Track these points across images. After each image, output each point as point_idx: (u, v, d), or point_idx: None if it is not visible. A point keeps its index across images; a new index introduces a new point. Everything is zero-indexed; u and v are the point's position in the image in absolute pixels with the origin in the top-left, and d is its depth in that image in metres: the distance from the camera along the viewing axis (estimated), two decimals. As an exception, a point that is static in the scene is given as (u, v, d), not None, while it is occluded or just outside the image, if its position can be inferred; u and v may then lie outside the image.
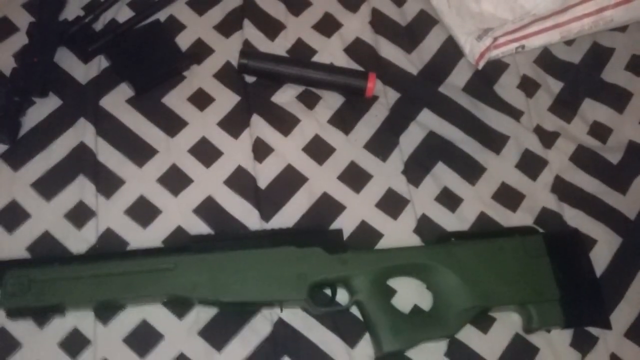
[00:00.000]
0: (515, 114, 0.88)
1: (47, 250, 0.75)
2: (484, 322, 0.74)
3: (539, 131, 0.87)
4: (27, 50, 0.85)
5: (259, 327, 0.72)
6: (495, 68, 0.91)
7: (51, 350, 0.69)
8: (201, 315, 0.72)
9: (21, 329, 0.70)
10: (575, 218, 0.82)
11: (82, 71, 0.86)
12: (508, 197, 0.83)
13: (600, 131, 0.89)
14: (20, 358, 0.68)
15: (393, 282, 0.76)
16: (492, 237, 0.76)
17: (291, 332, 0.72)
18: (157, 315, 0.72)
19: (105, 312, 0.71)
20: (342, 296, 0.73)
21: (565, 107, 0.90)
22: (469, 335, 0.73)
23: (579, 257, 0.77)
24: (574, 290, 0.73)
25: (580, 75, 0.93)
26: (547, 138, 0.87)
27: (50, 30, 0.86)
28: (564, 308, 0.71)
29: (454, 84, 0.90)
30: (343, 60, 0.90)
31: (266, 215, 0.79)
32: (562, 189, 0.84)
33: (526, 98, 0.90)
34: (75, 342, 0.70)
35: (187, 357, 0.70)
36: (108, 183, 0.79)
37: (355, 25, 0.93)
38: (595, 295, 0.75)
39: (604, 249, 0.80)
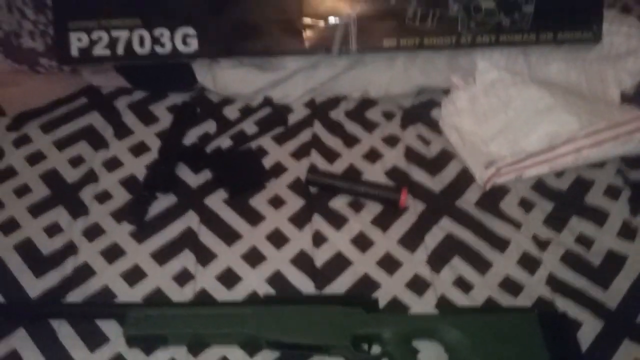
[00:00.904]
0: (516, 224, 1.02)
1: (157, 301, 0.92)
2: None
3: (535, 238, 1.00)
4: (157, 163, 1.08)
5: None
6: (500, 191, 1.07)
7: None
8: (267, 356, 0.85)
9: (133, 355, 0.85)
10: (565, 305, 0.90)
11: (193, 179, 1.07)
12: (511, 286, 0.94)
13: (584, 240, 1.00)
14: None
15: (418, 344, 0.86)
16: (496, 312, 0.91)
17: None
18: (234, 353, 0.85)
19: (196, 347, 0.86)
20: (376, 351, 0.85)
21: (556, 221, 1.02)
22: None
23: (568, 335, 0.86)
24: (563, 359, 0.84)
25: (567, 199, 1.05)
26: (541, 244, 0.99)
27: (174, 150, 1.10)
28: None
29: (468, 200, 1.06)
30: (383, 180, 1.08)
31: (319, 286, 0.93)
32: (555, 283, 0.94)
33: (524, 213, 1.03)
34: None
35: None
36: (205, 256, 0.97)
37: (393, 156, 1.13)
38: None
39: (589, 330, 0.89)
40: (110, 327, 0.89)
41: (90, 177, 1.08)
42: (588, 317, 0.91)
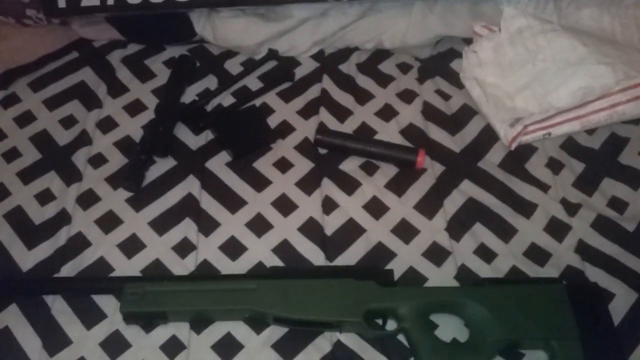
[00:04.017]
0: (543, 187, 0.97)
1: (156, 274, 0.87)
2: (514, 356, 0.80)
3: (564, 202, 0.95)
4: (153, 123, 1.03)
5: (321, 345, 0.81)
6: (526, 150, 1.01)
7: (154, 351, 0.80)
8: (275, 332, 0.81)
9: (132, 332, 0.81)
10: (596, 275, 0.87)
11: (193, 141, 1.03)
12: (537, 254, 0.90)
13: (617, 204, 0.95)
14: (129, 356, 0.80)
15: (435, 318, 0.83)
16: (520, 283, 0.85)
17: (347, 351, 0.80)
18: (239, 329, 0.82)
19: (198, 324, 0.82)
20: (391, 326, 0.81)
21: (587, 183, 0.97)
22: None
23: (599, 307, 0.82)
24: (594, 334, 0.79)
25: (600, 159, 1.01)
26: (571, 208, 0.94)
27: (172, 109, 1.04)
28: (584, 347, 0.77)
29: (491, 160, 1.00)
30: (398, 140, 1.03)
31: (330, 257, 0.89)
32: (585, 251, 0.90)
33: (553, 175, 0.98)
34: (173, 347, 0.80)
35: None
36: (207, 225, 0.92)
37: (410, 114, 1.07)
38: (613, 339, 0.80)
39: (622, 302, 0.84)
40: (107, 303, 0.85)
41: (84, 139, 1.03)
42: (621, 288, 0.87)
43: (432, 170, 1.00)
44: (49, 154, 1.02)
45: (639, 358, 0.81)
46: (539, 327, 0.79)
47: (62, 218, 0.93)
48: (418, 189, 0.98)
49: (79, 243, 0.91)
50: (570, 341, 0.78)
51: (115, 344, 0.81)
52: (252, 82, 1.12)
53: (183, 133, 1.04)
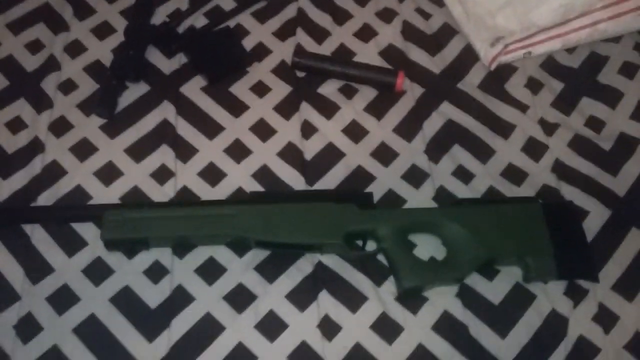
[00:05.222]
0: (522, 107, 0.96)
1: (136, 201, 0.86)
2: (489, 273, 0.82)
3: (542, 122, 0.95)
4: (123, 46, 0.99)
5: (303, 267, 0.82)
6: (506, 70, 1.00)
7: (137, 276, 0.81)
8: (257, 255, 0.82)
9: (114, 259, 0.82)
10: (571, 193, 0.88)
11: (166, 64, 0.99)
12: (514, 174, 0.90)
13: (595, 124, 0.95)
14: (112, 281, 0.80)
15: (414, 238, 0.84)
16: (497, 203, 0.86)
17: (328, 272, 0.81)
18: (222, 253, 0.82)
19: (180, 249, 0.82)
20: (371, 247, 0.82)
21: (565, 103, 0.97)
22: (476, 282, 0.81)
23: (573, 224, 0.84)
24: (568, 249, 0.81)
25: (579, 78, 1.00)
26: (549, 128, 0.94)
27: (142, 31, 0.99)
28: (558, 262, 0.79)
29: (470, 81, 0.99)
30: (377, 61, 1.01)
31: (310, 181, 0.89)
32: (561, 170, 0.91)
33: (532, 95, 0.97)
34: (156, 271, 0.81)
35: (245, 285, 0.80)
36: (185, 151, 0.91)
37: (389, 34, 1.04)
38: (586, 254, 0.83)
39: (596, 219, 0.87)
40: (87, 230, 0.85)
41: (52, 64, 0.99)
42: (595, 206, 0.89)
43: (412, 92, 0.98)
44: (16, 80, 0.98)
45: (611, 271, 0.84)
46: (515, 244, 0.81)
47: (35, 146, 0.91)
48: (397, 112, 0.96)
49: (54, 172, 0.89)
50: (544, 257, 0.80)
51: (98, 270, 0.82)
52: (225, 1, 1.07)
53: (155, 57, 1.00)
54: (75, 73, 0.98)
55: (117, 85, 0.95)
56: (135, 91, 0.97)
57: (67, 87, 0.97)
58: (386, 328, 0.79)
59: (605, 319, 0.80)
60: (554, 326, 0.80)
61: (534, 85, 0.99)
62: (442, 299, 0.81)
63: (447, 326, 0.79)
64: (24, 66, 0.99)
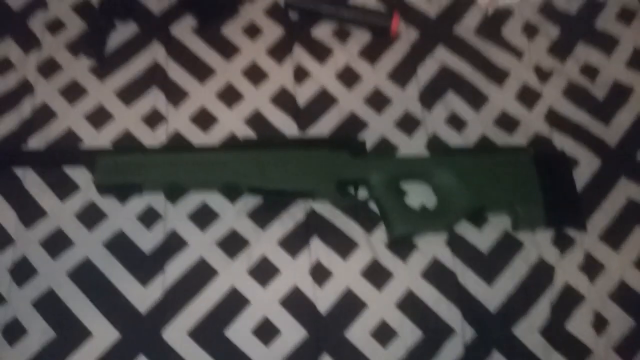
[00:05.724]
0: (517, 53, 0.94)
1: (128, 145, 0.86)
2: (479, 221, 0.83)
3: (537, 69, 0.93)
4: None
5: (295, 214, 0.83)
6: (503, 14, 0.97)
7: (130, 221, 0.82)
8: (250, 201, 0.83)
9: (107, 204, 0.82)
10: (563, 142, 0.88)
11: (156, 4, 0.96)
12: (506, 122, 0.90)
13: (589, 71, 0.94)
14: (106, 226, 0.81)
15: (405, 186, 0.84)
16: (489, 152, 0.87)
17: (320, 219, 0.82)
18: (214, 199, 0.83)
19: (173, 195, 0.82)
20: (362, 194, 0.82)
21: (561, 49, 0.95)
22: (466, 231, 0.83)
23: (564, 174, 0.84)
24: (557, 198, 0.82)
25: (575, 23, 0.97)
26: (543, 75, 0.93)
27: None
28: (546, 211, 0.80)
29: (467, 26, 0.96)
30: (373, 3, 0.97)
31: (303, 128, 0.88)
32: (554, 118, 0.90)
33: (527, 41, 0.95)
34: (149, 216, 0.82)
35: (237, 232, 0.81)
36: (176, 95, 0.89)
37: None
38: (575, 203, 0.84)
39: (586, 168, 0.87)
40: (79, 174, 0.84)
41: (38, 2, 0.96)
42: (586, 155, 0.89)
43: (407, 36, 0.96)
44: (2, 19, 0.95)
45: (598, 220, 0.85)
46: (504, 193, 0.82)
47: (24, 88, 0.89)
48: (392, 57, 0.95)
49: (44, 115, 0.88)
50: (534, 205, 0.81)
51: (91, 214, 0.82)
52: None
53: (144, -5, 0.97)
54: (63, 12, 0.96)
55: (105, 24, 0.92)
56: (124, 31, 0.94)
57: (55, 26, 0.94)
58: (376, 274, 0.80)
59: (591, 267, 0.82)
60: (541, 274, 0.81)
61: (530, 30, 0.97)
62: (432, 246, 0.82)
63: (436, 273, 0.81)
64: (8, 4, 0.96)
